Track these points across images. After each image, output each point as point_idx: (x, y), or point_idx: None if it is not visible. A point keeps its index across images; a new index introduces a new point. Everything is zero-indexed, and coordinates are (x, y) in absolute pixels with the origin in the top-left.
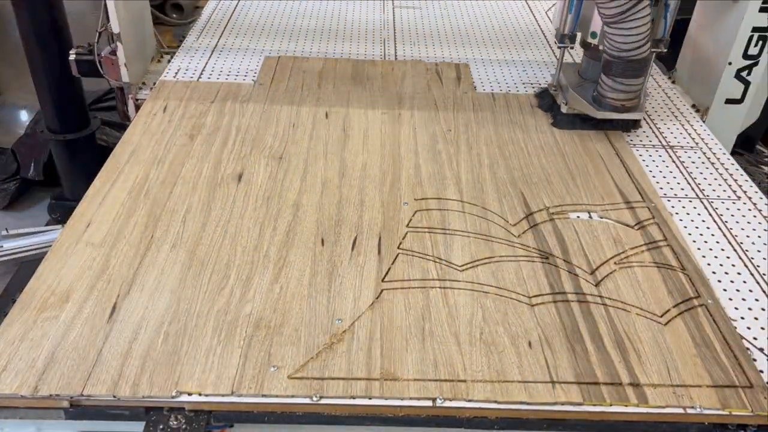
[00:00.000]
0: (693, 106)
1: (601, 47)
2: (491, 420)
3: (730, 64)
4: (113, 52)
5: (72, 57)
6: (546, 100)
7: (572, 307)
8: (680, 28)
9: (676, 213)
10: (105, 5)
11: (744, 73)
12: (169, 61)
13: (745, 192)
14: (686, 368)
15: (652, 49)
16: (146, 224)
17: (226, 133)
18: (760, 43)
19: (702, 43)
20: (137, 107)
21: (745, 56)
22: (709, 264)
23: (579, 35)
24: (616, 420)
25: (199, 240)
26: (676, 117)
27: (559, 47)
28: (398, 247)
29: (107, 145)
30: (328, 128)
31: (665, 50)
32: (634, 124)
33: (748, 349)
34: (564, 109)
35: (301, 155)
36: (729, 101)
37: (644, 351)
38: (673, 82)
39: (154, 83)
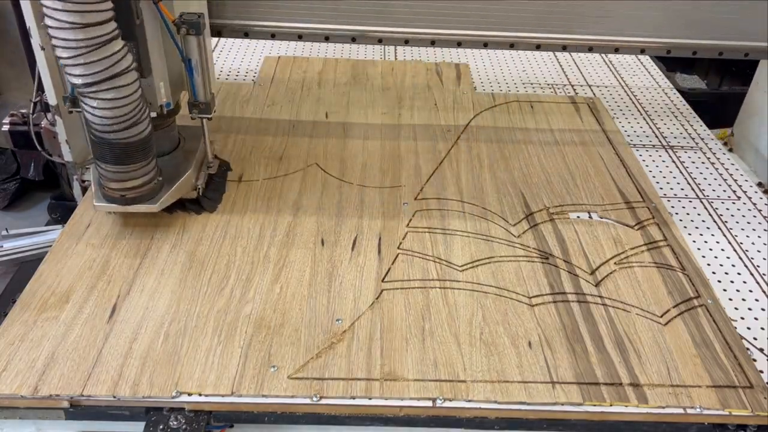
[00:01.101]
0: (759, 184)
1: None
2: (491, 420)
3: None
4: (53, 123)
5: (5, 128)
6: None
7: (572, 307)
8: None
9: (676, 213)
10: (38, 72)
11: None
12: None
13: (745, 192)
14: (686, 368)
15: (192, 116)
16: (146, 224)
17: (226, 133)
18: None
19: None
20: (84, 189)
21: None
22: (709, 264)
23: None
24: (616, 420)
25: (199, 240)
26: (676, 117)
27: (69, 112)
28: (398, 247)
29: None
30: (328, 128)
31: (208, 115)
32: (182, 205)
33: (748, 349)
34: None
35: (301, 155)
36: None
37: (644, 351)
38: (730, 150)
39: None
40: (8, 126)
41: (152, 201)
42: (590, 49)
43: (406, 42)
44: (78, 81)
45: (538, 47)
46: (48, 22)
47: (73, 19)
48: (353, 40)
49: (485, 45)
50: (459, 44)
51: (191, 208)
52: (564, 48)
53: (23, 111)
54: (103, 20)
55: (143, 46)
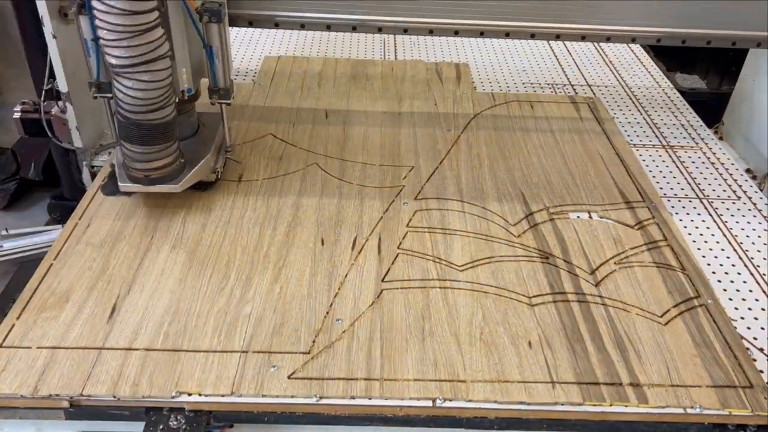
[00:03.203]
0: (747, 170)
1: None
2: (491, 420)
3: None
4: (64, 111)
5: (17, 115)
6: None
7: (572, 307)
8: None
9: (676, 213)
10: (49, 60)
11: None
12: None
13: (745, 192)
14: (686, 368)
15: (212, 101)
16: (146, 224)
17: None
18: None
19: (759, 101)
20: (93, 174)
21: None
22: (709, 264)
23: None
24: (616, 420)
25: (199, 240)
26: (676, 117)
27: (93, 98)
28: (398, 247)
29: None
30: (328, 128)
31: (228, 101)
32: (204, 187)
33: (748, 349)
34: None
35: (300, 155)
36: None
37: (644, 351)
38: (721, 138)
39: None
40: (20, 114)
41: (175, 181)
42: (583, 38)
43: (405, 31)
44: (116, 62)
45: (532, 36)
46: (96, 5)
47: (122, 5)
48: (354, 29)
49: (481, 33)
50: (456, 33)
51: (209, 189)
52: (557, 37)
53: (34, 99)
54: (148, 9)
55: (167, 33)
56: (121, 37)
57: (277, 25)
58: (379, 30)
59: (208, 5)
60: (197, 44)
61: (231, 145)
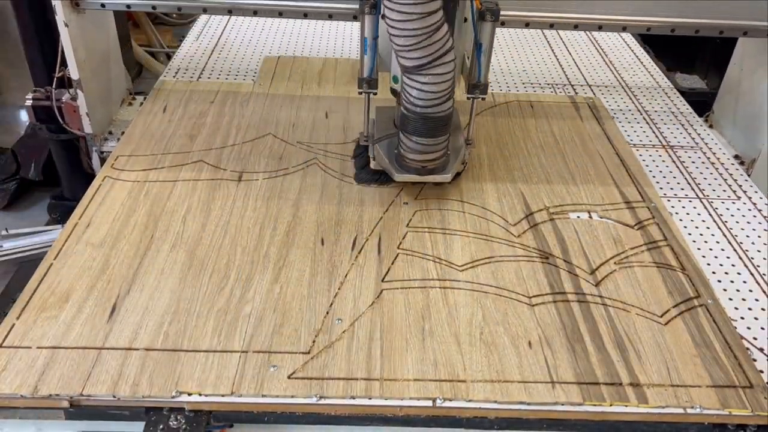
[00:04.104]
0: (736, 156)
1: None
2: (491, 420)
3: None
4: (74, 98)
5: (28, 103)
6: (361, 151)
7: (572, 307)
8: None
9: (676, 213)
10: (61, 48)
11: None
12: (141, 104)
13: (745, 192)
14: (686, 368)
15: (471, 95)
16: (146, 224)
17: (226, 133)
18: None
19: (747, 89)
20: (102, 160)
21: None
22: (709, 264)
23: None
24: (616, 420)
25: (199, 240)
26: (676, 117)
27: (359, 93)
28: (398, 247)
29: None
30: (328, 128)
31: (484, 95)
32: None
33: (748, 349)
34: (372, 165)
35: (300, 155)
36: None
37: (644, 351)
38: (711, 126)
39: (123, 132)
40: (31, 101)
41: (444, 172)
42: (575, 27)
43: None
44: (412, 63)
45: (527, 24)
46: (391, 14)
47: (415, 10)
48: (355, 18)
49: None
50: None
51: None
52: (551, 26)
53: (45, 87)
54: (436, 9)
55: (450, 29)
56: (418, 39)
57: (281, 15)
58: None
59: (488, 5)
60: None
61: (472, 138)
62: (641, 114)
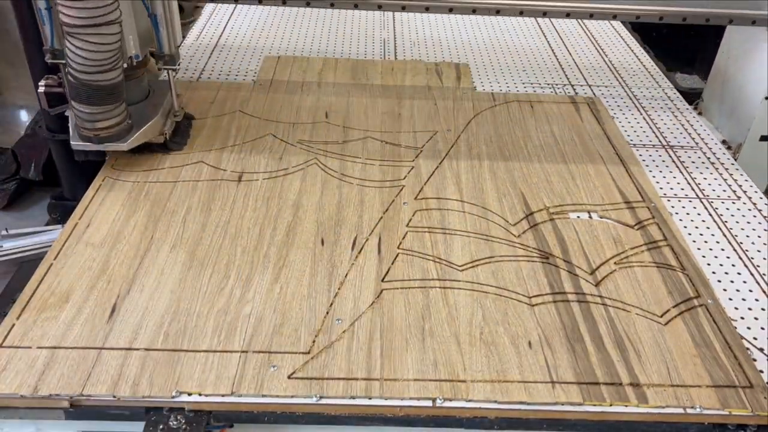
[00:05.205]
0: (723, 142)
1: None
2: (491, 420)
3: (766, 98)
4: None
5: (41, 89)
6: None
7: (572, 307)
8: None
9: (676, 213)
10: None
11: None
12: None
13: (745, 192)
14: (686, 368)
15: (161, 67)
16: (146, 224)
17: (225, 133)
18: None
19: (733, 75)
20: None
21: None
22: (709, 264)
23: None
24: (616, 420)
25: (199, 240)
26: (676, 117)
27: (48, 64)
28: (398, 247)
29: None
30: (328, 128)
31: (174, 67)
32: (165, 148)
33: (748, 349)
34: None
35: (300, 155)
36: (764, 138)
37: (644, 351)
38: (700, 113)
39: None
40: (44, 88)
41: (122, 140)
42: (567, 15)
43: (403, 8)
44: (69, 20)
45: (521, 13)
46: None
47: None
48: (356, 6)
49: (474, 11)
50: (450, 10)
51: (158, 150)
52: (544, 14)
53: (57, 74)
54: None
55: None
56: None
57: (284, 3)
58: (379, 7)
59: None
60: (145, 14)
61: (180, 110)
62: (641, 114)
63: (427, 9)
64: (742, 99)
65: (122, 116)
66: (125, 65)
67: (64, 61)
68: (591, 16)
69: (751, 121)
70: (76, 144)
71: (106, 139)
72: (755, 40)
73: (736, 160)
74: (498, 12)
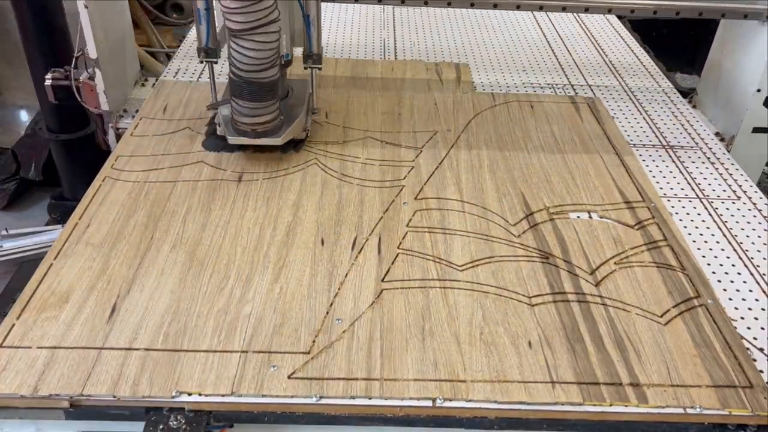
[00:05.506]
0: (717, 134)
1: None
2: (491, 420)
3: (758, 91)
4: (92, 78)
5: (48, 82)
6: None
7: (572, 307)
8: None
9: (676, 213)
10: (81, 29)
11: None
12: (153, 86)
13: (745, 192)
14: (686, 368)
15: (306, 65)
16: (146, 224)
17: None
18: None
19: (726, 68)
20: (118, 136)
21: None
22: (709, 264)
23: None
24: (616, 420)
25: (199, 240)
26: (676, 117)
27: (200, 62)
28: (398, 247)
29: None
30: (328, 128)
31: (319, 66)
32: (294, 146)
33: (748, 349)
34: (218, 131)
35: (300, 155)
36: (757, 130)
37: (644, 351)
38: (694, 107)
39: (137, 110)
40: (51, 81)
41: (276, 135)
42: (563, 9)
43: (403, 2)
44: (236, 26)
45: (518, 7)
46: None
47: None
48: (356, 0)
49: (472, 5)
50: (449, 4)
51: (297, 147)
52: (540, 8)
53: (64, 67)
54: None
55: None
56: (243, 4)
57: None
58: (379, 1)
59: None
60: (292, 16)
61: (317, 108)
62: (641, 114)
63: (426, 3)
64: (735, 91)
65: (277, 112)
66: (282, 63)
67: (215, 60)
68: (586, 9)
69: (744, 113)
70: (233, 138)
71: (263, 133)
72: (749, 33)
73: (729, 151)
74: (495, 6)
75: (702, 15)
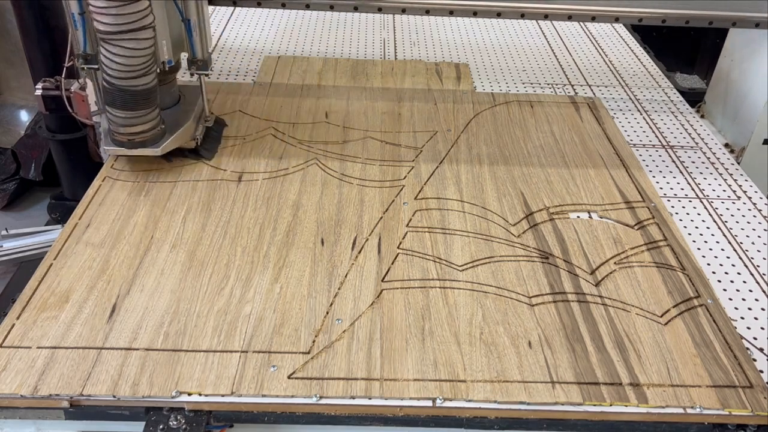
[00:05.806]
0: (726, 145)
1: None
2: (491, 420)
3: None
4: (83, 88)
5: (38, 92)
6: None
7: (572, 307)
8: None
9: (676, 213)
10: (70, 41)
11: None
12: None
13: (745, 192)
14: (686, 368)
15: (191, 71)
16: (146, 224)
17: (225, 133)
18: None
19: (736, 78)
20: None
21: None
22: (709, 264)
23: None
24: (616, 420)
25: (199, 240)
26: (676, 117)
27: (81, 68)
28: (398, 247)
29: None
30: (328, 128)
31: (206, 71)
32: (197, 156)
33: (748, 349)
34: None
35: (300, 155)
36: (767, 142)
37: (644, 351)
38: (702, 116)
39: None
40: (41, 91)
41: (156, 145)
42: (569, 18)
43: (404, 11)
44: (104, 28)
45: (522, 16)
46: None
47: None
48: (356, 9)
49: (474, 13)
50: (451, 13)
51: (190, 156)
52: (546, 17)
53: (55, 77)
54: None
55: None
56: (111, 4)
57: (284, 6)
58: (379, 10)
59: None
60: (177, 20)
61: (211, 114)
62: (641, 114)
63: (427, 12)
64: (744, 102)
65: (156, 121)
66: (158, 70)
67: (96, 66)
68: (593, 18)
69: (754, 125)
70: (110, 149)
71: (140, 143)
72: (758, 44)
73: (739, 163)
74: (499, 15)
75: (712, 24)
